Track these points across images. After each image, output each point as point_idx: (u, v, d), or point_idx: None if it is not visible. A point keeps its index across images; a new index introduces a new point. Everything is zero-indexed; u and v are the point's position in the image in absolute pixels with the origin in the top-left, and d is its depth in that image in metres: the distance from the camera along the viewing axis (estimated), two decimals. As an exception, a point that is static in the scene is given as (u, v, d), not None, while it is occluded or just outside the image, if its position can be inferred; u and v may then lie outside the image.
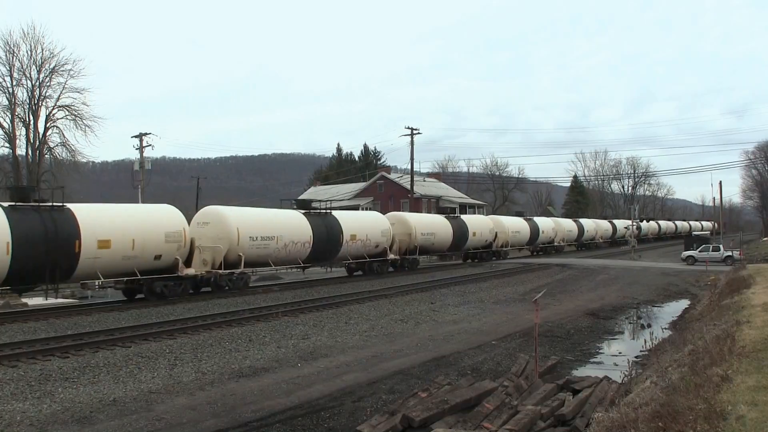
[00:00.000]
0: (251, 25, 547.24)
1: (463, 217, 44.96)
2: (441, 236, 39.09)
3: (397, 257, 34.99)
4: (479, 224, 45.07)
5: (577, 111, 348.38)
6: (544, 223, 57.81)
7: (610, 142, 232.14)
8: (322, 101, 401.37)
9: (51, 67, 47.44)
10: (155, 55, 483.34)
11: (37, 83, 47.28)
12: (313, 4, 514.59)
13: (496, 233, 46.77)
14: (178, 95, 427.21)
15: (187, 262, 23.27)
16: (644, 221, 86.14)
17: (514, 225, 50.68)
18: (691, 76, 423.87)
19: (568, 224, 64.34)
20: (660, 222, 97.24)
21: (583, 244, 66.89)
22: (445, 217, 41.61)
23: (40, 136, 47.73)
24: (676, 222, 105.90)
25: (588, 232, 67.56)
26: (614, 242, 76.27)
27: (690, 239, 57.18)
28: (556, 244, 59.13)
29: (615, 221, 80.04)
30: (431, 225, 38.88)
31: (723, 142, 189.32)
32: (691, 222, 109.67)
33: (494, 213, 69.93)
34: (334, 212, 31.59)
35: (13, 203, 19.56)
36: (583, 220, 70.21)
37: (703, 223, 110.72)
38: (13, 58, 46.23)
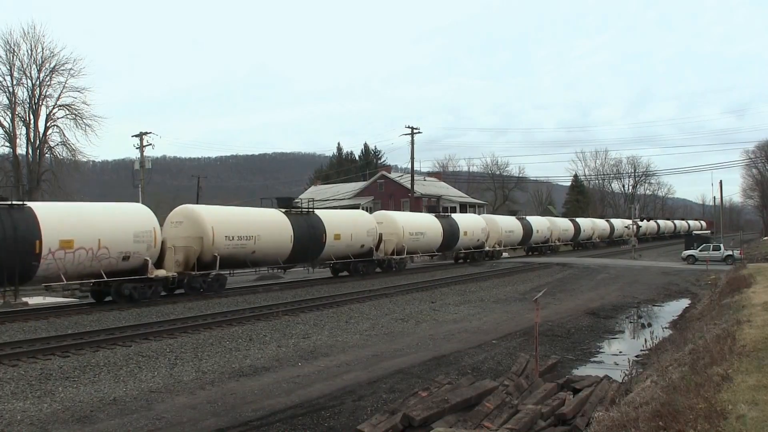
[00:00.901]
0: (252, 25, 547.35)
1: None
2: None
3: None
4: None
5: (577, 110, 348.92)
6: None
7: (611, 141, 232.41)
8: (322, 100, 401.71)
9: (51, 66, 47.53)
10: (157, 54, 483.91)
11: (38, 82, 47.36)
12: (315, 4, 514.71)
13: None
14: (179, 94, 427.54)
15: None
16: (644, 220, 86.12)
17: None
18: (691, 75, 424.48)
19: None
20: (659, 221, 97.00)
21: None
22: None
23: (41, 136, 47.80)
24: (675, 221, 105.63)
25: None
26: (612, 242, 75.36)
27: (690, 238, 57.20)
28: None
29: (613, 220, 79.05)
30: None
31: (723, 141, 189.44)
32: (688, 221, 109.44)
33: (494, 212, 69.90)
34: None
35: None
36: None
37: (691, 222, 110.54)
38: (13, 58, 46.34)
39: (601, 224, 73.04)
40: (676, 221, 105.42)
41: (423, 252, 38.29)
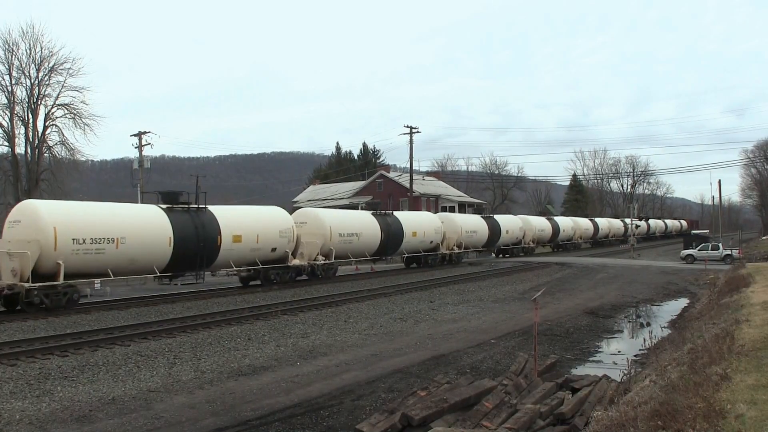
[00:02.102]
0: (253, 24, 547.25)
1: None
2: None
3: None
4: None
5: (578, 109, 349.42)
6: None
7: (611, 140, 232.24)
8: (323, 100, 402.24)
9: (50, 65, 47.45)
10: (157, 54, 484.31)
11: (36, 82, 47.29)
12: (316, 3, 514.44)
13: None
14: (179, 93, 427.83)
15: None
16: (642, 220, 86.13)
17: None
18: (691, 74, 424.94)
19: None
20: (627, 220, 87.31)
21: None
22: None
23: (39, 135, 47.74)
24: (650, 221, 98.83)
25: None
26: (597, 243, 71.89)
27: (689, 238, 57.22)
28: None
29: (598, 219, 75.28)
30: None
31: (723, 140, 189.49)
32: (665, 221, 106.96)
33: (494, 212, 69.65)
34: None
35: None
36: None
37: (669, 221, 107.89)
38: (12, 57, 46.24)
39: (584, 224, 68.25)
40: (652, 221, 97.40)
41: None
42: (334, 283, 29.08)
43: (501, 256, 51.95)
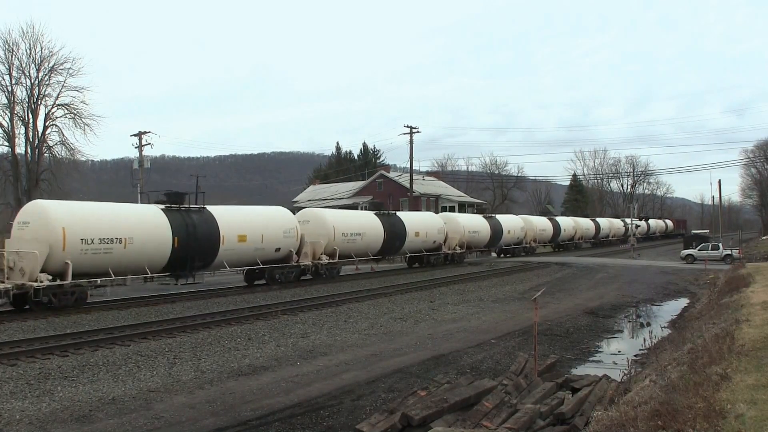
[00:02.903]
0: (254, 25, 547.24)
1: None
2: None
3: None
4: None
5: (578, 109, 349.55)
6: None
7: (611, 140, 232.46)
8: (323, 100, 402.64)
9: (50, 65, 47.58)
10: (157, 54, 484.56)
11: (36, 82, 47.40)
12: (317, 4, 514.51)
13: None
14: (179, 93, 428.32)
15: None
16: (642, 220, 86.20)
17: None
18: (692, 74, 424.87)
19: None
20: (600, 220, 78.26)
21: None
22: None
23: (39, 135, 47.84)
24: (650, 221, 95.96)
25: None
26: (598, 242, 72.29)
27: (689, 238, 57.22)
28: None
29: (599, 219, 75.55)
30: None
31: (723, 140, 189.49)
32: (648, 221, 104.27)
33: (494, 212, 69.68)
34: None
35: None
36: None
37: (652, 222, 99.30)
38: (12, 57, 46.37)
39: (584, 224, 68.34)
40: (652, 221, 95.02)
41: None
42: (337, 282, 29.09)
43: (503, 255, 51.95)
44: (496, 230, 46.76)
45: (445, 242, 40.27)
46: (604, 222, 75.53)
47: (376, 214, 34.96)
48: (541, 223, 57.36)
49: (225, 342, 14.57)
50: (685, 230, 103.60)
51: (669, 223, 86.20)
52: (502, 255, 52.19)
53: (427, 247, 38.61)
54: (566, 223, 63.36)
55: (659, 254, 57.82)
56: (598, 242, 72.44)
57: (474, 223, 44.31)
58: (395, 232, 35.04)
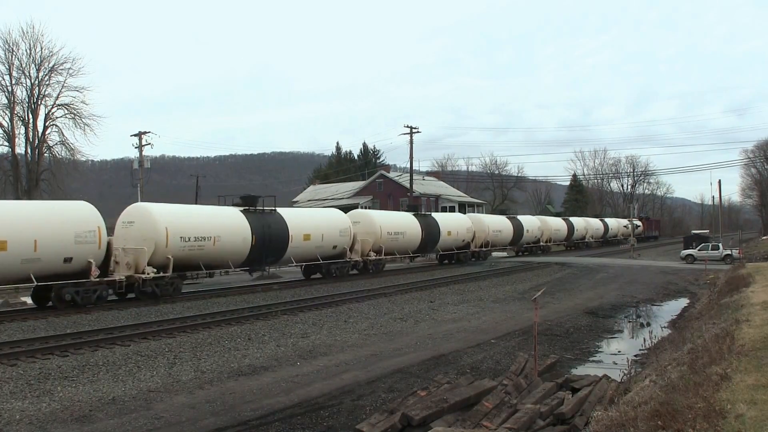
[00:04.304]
0: (255, 25, 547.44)
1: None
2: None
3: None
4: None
5: (579, 109, 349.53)
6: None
7: (612, 140, 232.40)
8: (324, 100, 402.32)
9: (50, 65, 47.50)
10: (158, 54, 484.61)
11: (36, 82, 47.32)
12: (318, 4, 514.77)
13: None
14: (180, 93, 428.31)
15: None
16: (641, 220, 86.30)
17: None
18: (693, 74, 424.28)
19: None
20: (572, 219, 72.08)
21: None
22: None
23: (39, 135, 47.76)
24: (607, 220, 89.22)
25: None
26: (607, 242, 74.82)
27: (689, 238, 57.22)
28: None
29: (607, 220, 78.02)
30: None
31: (724, 140, 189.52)
32: (618, 221, 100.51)
33: (493, 212, 69.74)
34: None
35: None
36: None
37: (616, 221, 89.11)
38: (12, 57, 46.28)
39: (594, 224, 71.77)
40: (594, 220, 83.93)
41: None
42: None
43: (521, 253, 54.87)
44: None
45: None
46: (612, 222, 78.88)
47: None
48: (556, 223, 61.18)
49: (225, 342, 14.57)
50: (659, 232, 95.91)
51: (612, 223, 78.19)
52: (519, 253, 54.93)
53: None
54: (578, 223, 66.85)
55: (659, 254, 57.86)
56: (606, 241, 75.37)
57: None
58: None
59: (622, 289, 27.59)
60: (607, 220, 77.78)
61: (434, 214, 41.63)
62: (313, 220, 29.85)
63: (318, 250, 29.42)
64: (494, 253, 51.24)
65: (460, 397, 9.01)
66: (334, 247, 30.45)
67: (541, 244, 56.38)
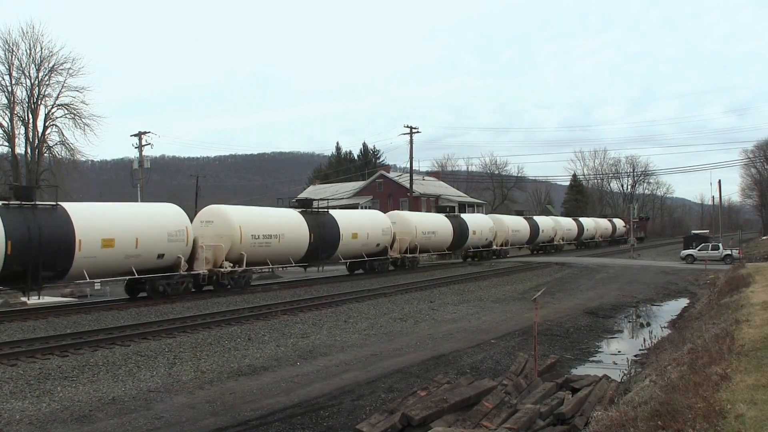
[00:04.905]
0: (256, 25, 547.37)
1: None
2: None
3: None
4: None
5: (579, 109, 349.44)
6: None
7: (612, 140, 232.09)
8: (324, 100, 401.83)
9: (50, 65, 47.41)
10: (158, 54, 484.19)
11: (36, 82, 47.24)
12: (319, 4, 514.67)
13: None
14: (180, 93, 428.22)
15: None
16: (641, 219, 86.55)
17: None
18: (693, 74, 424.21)
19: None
20: (538, 218, 63.19)
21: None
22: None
23: (39, 135, 47.69)
24: (582, 219, 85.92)
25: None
26: (614, 241, 77.89)
27: (689, 238, 57.23)
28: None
29: (615, 220, 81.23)
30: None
31: (724, 140, 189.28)
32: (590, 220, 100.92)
33: (493, 212, 69.75)
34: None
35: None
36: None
37: (616, 220, 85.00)
38: (12, 57, 46.20)
39: (603, 224, 75.45)
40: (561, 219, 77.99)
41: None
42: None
43: (535, 252, 57.33)
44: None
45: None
46: (619, 222, 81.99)
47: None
48: (568, 224, 64.99)
49: (225, 342, 14.57)
50: (645, 233, 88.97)
51: (619, 223, 76.89)
52: (534, 252, 57.25)
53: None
54: (588, 223, 70.35)
55: (659, 254, 57.87)
56: (614, 240, 78.24)
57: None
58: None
59: (622, 289, 27.58)
60: (615, 220, 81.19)
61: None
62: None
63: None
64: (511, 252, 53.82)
65: (460, 397, 9.01)
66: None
67: (555, 243, 59.41)
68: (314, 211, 30.42)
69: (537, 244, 56.72)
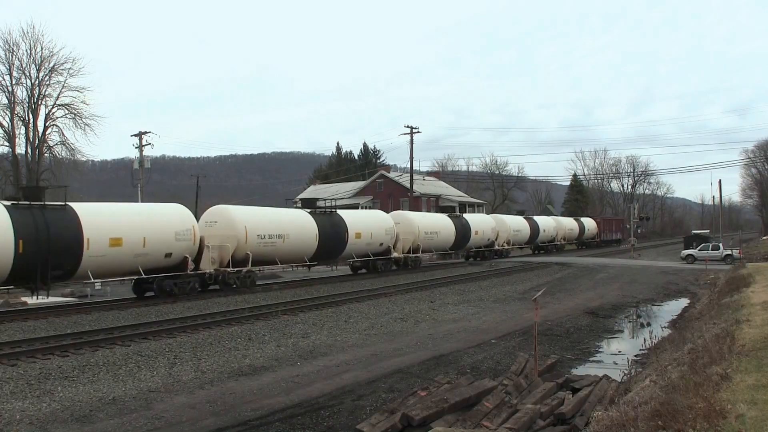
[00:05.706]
0: (257, 25, 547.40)
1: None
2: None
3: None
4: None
5: (580, 109, 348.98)
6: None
7: (613, 140, 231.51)
8: (325, 100, 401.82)
9: (50, 65, 47.42)
10: (158, 54, 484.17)
11: (37, 82, 47.26)
12: (319, 4, 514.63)
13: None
14: (181, 94, 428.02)
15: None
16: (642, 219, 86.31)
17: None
18: (694, 74, 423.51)
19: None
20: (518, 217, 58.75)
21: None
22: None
23: (40, 135, 47.71)
24: (585, 219, 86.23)
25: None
26: (615, 240, 78.27)
27: (690, 238, 57.22)
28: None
29: (584, 219, 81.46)
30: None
31: (725, 140, 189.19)
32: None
33: (494, 212, 69.83)
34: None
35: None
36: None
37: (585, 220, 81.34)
38: (12, 57, 46.22)
39: (567, 223, 74.17)
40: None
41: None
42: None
43: (537, 252, 57.69)
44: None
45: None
46: (589, 222, 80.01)
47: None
48: (569, 223, 65.53)
49: (225, 342, 14.57)
50: (623, 236, 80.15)
51: (589, 223, 69.21)
52: (535, 252, 57.61)
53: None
54: (589, 223, 70.82)
55: (659, 254, 57.86)
56: (618, 240, 78.85)
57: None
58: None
59: (622, 289, 27.58)
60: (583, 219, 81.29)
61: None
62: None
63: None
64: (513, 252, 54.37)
65: (461, 397, 9.01)
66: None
67: (556, 242, 59.94)
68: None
69: (538, 243, 57.16)
